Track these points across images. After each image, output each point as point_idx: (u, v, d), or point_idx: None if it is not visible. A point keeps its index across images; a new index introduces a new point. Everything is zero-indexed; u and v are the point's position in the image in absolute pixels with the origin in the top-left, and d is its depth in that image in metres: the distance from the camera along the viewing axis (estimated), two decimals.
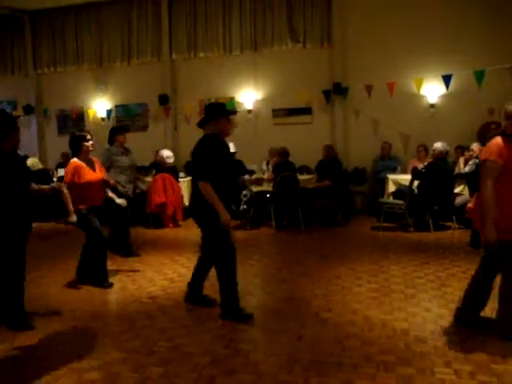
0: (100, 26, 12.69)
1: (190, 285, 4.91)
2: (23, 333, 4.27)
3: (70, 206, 5.22)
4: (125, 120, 12.60)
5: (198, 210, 4.44)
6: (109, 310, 4.91)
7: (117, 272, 6.19)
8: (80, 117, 13.12)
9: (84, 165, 5.46)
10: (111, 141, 7.02)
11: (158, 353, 3.81)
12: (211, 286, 4.85)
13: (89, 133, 5.66)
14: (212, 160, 4.28)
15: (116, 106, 12.83)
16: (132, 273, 6.20)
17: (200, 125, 4.57)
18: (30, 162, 10.61)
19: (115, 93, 12.82)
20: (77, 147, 5.47)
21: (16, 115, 4.38)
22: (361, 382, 3.25)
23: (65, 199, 5.19)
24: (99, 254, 5.62)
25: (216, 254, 4.48)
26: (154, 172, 9.74)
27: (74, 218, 5.25)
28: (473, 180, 8.13)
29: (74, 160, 5.45)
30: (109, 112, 12.79)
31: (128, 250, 7.05)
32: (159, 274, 6.10)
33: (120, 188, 6.81)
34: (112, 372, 3.52)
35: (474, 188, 4.81)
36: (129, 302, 5.10)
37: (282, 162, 8.90)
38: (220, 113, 4.44)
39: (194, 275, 4.88)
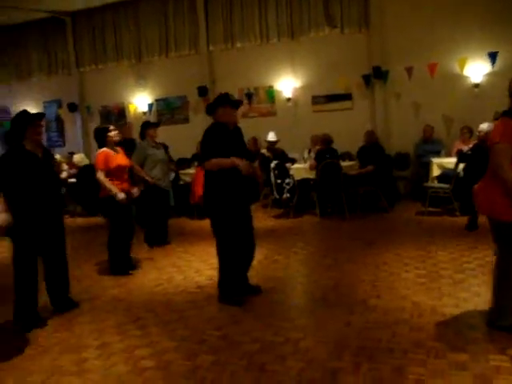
0: (138, 22, 12.87)
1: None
2: (78, 323, 4.43)
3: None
4: (165, 113, 12.79)
5: (206, 197, 4.68)
6: (157, 301, 5.00)
7: (152, 262, 6.31)
8: (121, 112, 13.39)
9: (112, 152, 5.81)
10: (143, 135, 7.21)
11: (208, 341, 3.88)
12: (256, 274, 4.90)
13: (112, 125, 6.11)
14: (215, 146, 4.51)
15: (156, 100, 13.01)
16: (179, 263, 6.31)
17: (208, 113, 4.85)
18: (76, 157, 10.96)
19: (155, 87, 13.00)
20: (102, 139, 5.83)
21: (38, 113, 4.55)
22: (412, 368, 3.23)
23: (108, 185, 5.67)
24: (123, 241, 5.92)
25: (219, 241, 4.71)
26: (196, 164, 9.85)
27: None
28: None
29: (103, 149, 5.79)
30: (150, 106, 12.99)
31: (163, 239, 7.34)
32: (205, 263, 6.19)
33: (156, 181, 6.99)
34: (164, 360, 3.62)
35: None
36: (176, 292, 5.20)
37: (324, 149, 8.85)
38: (218, 103, 4.66)
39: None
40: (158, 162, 7.09)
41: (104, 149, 5.79)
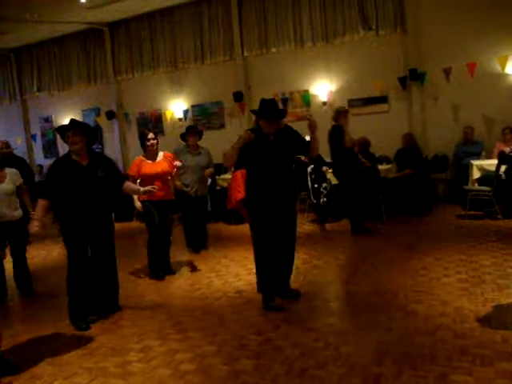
0: (173, 30, 13.07)
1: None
2: (122, 326, 4.52)
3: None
4: (201, 119, 12.92)
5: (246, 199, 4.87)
6: (196, 305, 5.06)
7: (193, 268, 6.38)
8: (158, 118, 13.60)
9: (145, 159, 6.00)
10: (184, 140, 7.32)
11: (249, 346, 3.90)
12: (296, 279, 4.88)
13: (152, 132, 6.17)
14: (246, 155, 4.68)
15: (192, 106, 13.16)
16: (218, 268, 6.36)
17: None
18: None
19: (191, 93, 13.16)
20: (143, 145, 6.06)
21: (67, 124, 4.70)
22: (457, 376, 3.17)
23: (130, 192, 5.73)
24: (158, 246, 6.05)
25: (253, 242, 4.84)
26: (232, 169, 9.89)
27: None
28: None
29: (139, 156, 6.03)
30: (185, 112, 13.16)
31: (201, 244, 7.44)
32: (244, 268, 6.22)
33: (184, 188, 7.00)
34: (205, 364, 3.66)
35: None
36: (216, 296, 5.25)
37: (361, 151, 8.78)
38: (257, 115, 4.81)
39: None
40: (187, 168, 7.09)
41: (140, 156, 6.01)
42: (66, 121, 16.28)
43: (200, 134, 7.36)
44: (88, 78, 14.55)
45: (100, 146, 14.79)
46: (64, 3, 11.40)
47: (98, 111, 14.56)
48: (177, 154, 7.04)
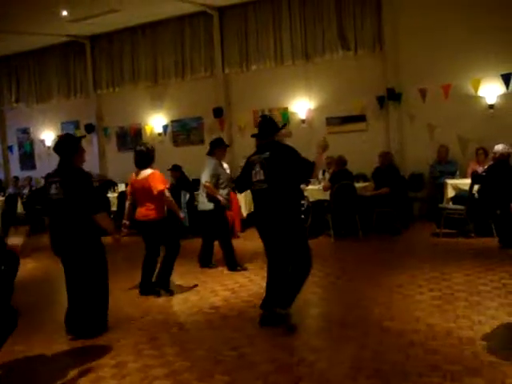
0: (154, 45, 13.16)
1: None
2: (95, 341, 4.48)
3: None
4: (181, 134, 12.96)
5: (284, 216, 4.56)
6: (173, 321, 5.05)
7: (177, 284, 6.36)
8: (138, 133, 13.59)
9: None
10: (211, 153, 7.00)
11: (224, 362, 3.91)
12: None
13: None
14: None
15: (172, 121, 13.20)
16: (193, 284, 6.35)
17: (266, 136, 4.79)
18: None
19: (171, 108, 13.21)
20: (151, 159, 5.85)
21: (81, 135, 4.80)
22: None
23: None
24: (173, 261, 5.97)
25: (301, 260, 4.64)
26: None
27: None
28: None
29: (156, 170, 5.82)
30: (165, 127, 13.19)
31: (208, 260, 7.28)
32: (220, 284, 6.22)
33: (226, 202, 6.85)
34: (180, 380, 3.65)
35: None
36: (192, 312, 5.24)
37: (338, 170, 8.90)
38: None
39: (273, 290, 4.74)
40: (226, 181, 6.95)
41: (156, 171, 5.83)
42: (44, 133, 16.17)
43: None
44: (68, 91, 14.52)
45: None
46: (45, 16, 11.38)
47: (77, 124, 14.50)
48: (217, 168, 6.88)
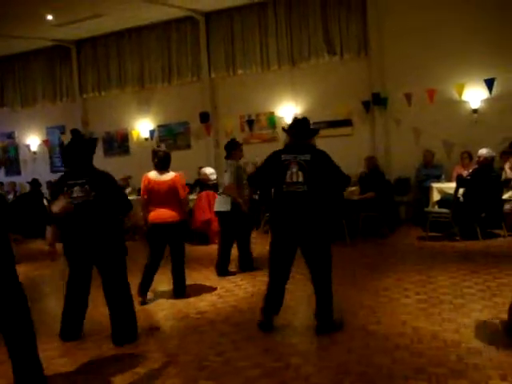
0: (141, 50, 13.15)
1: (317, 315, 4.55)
2: (80, 348, 4.43)
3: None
4: (168, 139, 12.92)
5: (319, 221, 4.43)
6: (159, 326, 5.03)
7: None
8: (124, 138, 13.55)
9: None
10: (229, 155, 6.92)
11: (210, 367, 3.89)
12: (258, 301, 4.87)
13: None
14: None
15: (159, 126, 13.17)
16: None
17: (305, 138, 4.68)
18: None
19: (157, 113, 13.19)
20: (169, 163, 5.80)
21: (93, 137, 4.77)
22: None
23: None
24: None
25: (327, 266, 4.55)
26: (198, 189, 9.91)
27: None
28: None
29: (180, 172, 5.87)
30: (152, 132, 13.15)
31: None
32: (207, 289, 6.19)
33: (243, 206, 6.73)
34: None
35: None
36: (178, 317, 5.21)
37: None
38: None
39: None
40: (244, 184, 6.83)
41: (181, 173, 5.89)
42: (29, 138, 15.97)
43: None
44: (53, 95, 14.44)
45: (63, 165, 14.59)
46: (30, 20, 11.33)
47: (62, 129, 14.39)
48: (239, 169, 6.82)
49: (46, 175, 14.00)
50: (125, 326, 4.54)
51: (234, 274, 6.90)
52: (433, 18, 10.26)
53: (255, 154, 11.14)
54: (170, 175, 5.73)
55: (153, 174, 5.75)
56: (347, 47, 11.12)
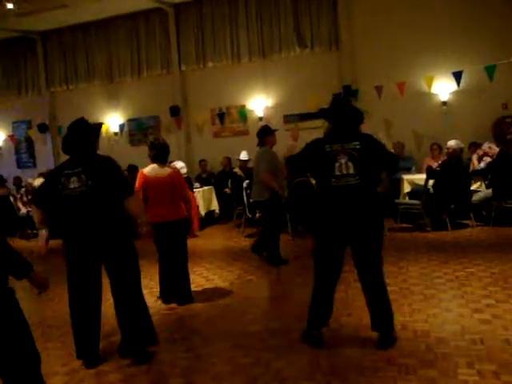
0: (109, 42, 12.89)
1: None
2: (47, 348, 4.32)
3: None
4: (138, 134, 12.74)
5: (376, 216, 4.03)
6: None
7: None
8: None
9: None
10: (262, 143, 6.78)
11: (180, 364, 3.83)
12: (229, 294, 4.82)
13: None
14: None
15: (128, 120, 12.96)
16: (151, 285, 6.22)
17: (355, 123, 4.11)
18: (37, 181, 10.43)
19: (127, 107, 12.97)
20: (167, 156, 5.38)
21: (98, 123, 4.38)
22: None
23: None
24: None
25: (381, 267, 4.11)
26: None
27: None
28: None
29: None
30: (121, 126, 12.93)
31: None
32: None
33: (280, 191, 6.62)
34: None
35: None
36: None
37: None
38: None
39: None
40: (280, 170, 6.66)
41: None
42: None
43: None
44: (18, 89, 14.03)
45: (31, 160, 14.28)
46: None
47: (29, 124, 14.05)
48: (274, 157, 6.65)
49: (12, 171, 13.64)
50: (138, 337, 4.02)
51: (287, 262, 6.78)
52: (402, 15, 10.37)
53: (227, 148, 11.13)
54: (168, 169, 5.31)
55: (151, 169, 5.26)
56: (318, 40, 11.11)
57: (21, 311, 2.76)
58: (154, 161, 5.30)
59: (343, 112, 4.03)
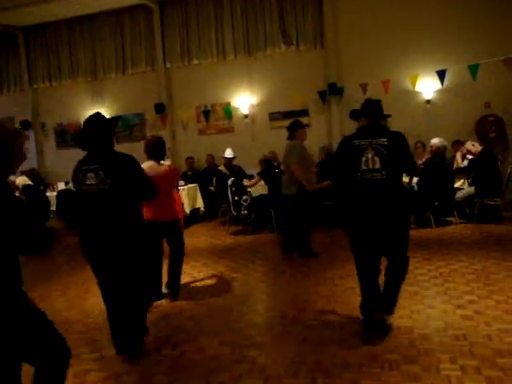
0: (93, 39, 12.76)
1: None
2: None
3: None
4: (122, 131, 12.63)
5: (401, 211, 4.07)
6: None
7: None
8: (78, 130, 13.14)
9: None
10: (292, 136, 6.77)
11: (164, 361, 3.82)
12: (214, 292, 4.81)
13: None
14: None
15: (113, 118, 12.85)
16: None
17: (381, 116, 4.35)
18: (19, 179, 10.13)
19: (112, 104, 12.85)
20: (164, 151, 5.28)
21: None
22: (366, 381, 3.27)
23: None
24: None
25: (405, 259, 4.21)
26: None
27: None
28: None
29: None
30: None
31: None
32: (163, 282, 6.08)
33: (308, 186, 6.60)
34: (120, 382, 3.54)
35: None
36: None
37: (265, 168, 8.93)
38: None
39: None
40: (311, 164, 6.64)
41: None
42: None
43: None
44: (0, 85, 13.84)
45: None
46: None
47: (11, 121, 13.83)
48: (300, 152, 6.60)
49: None
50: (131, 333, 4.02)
51: (317, 255, 6.81)
52: (388, 12, 10.44)
53: (212, 145, 11.10)
54: (165, 166, 5.19)
55: (148, 167, 4.99)
56: (303, 38, 11.12)
57: (38, 310, 2.74)
58: (151, 157, 5.20)
59: (371, 109, 4.22)
